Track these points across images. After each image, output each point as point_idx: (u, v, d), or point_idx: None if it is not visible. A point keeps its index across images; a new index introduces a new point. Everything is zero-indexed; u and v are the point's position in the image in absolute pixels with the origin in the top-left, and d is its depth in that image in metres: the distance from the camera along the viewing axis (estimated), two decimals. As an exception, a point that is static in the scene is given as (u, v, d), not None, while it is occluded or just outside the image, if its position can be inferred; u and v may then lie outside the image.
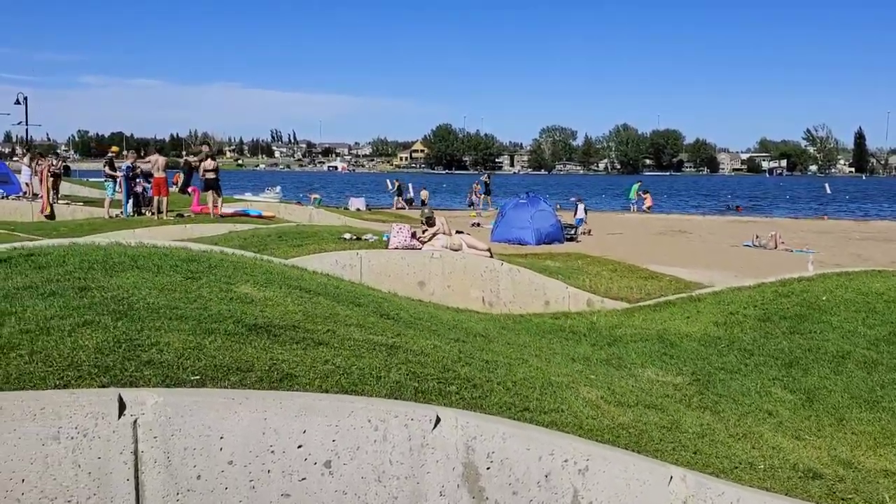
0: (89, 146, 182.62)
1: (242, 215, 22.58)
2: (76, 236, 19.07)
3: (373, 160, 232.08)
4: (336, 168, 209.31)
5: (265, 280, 7.25)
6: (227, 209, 23.01)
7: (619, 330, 9.17)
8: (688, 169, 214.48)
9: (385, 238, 14.63)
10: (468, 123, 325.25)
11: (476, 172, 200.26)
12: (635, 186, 46.54)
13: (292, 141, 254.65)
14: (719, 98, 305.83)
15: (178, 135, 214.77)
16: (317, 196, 42.47)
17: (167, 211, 21.09)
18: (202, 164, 22.01)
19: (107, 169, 21.79)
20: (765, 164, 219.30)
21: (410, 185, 58.75)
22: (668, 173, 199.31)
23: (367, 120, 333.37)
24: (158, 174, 20.81)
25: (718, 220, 38.00)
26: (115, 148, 23.94)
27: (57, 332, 4.26)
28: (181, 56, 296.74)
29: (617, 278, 14.42)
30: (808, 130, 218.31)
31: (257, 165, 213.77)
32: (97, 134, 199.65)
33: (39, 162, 27.73)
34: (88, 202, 27.44)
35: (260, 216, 22.94)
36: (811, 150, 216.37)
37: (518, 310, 12.79)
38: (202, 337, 4.52)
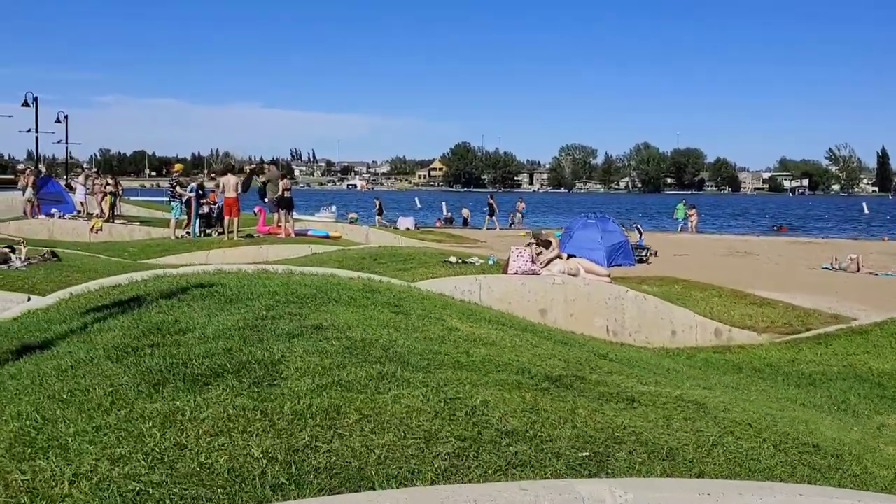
0: (111, 164, 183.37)
1: (309, 236, 22.00)
2: (151, 257, 18.63)
3: (391, 178, 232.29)
4: (355, 186, 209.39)
5: (459, 313, 6.62)
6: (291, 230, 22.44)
7: (801, 366, 8.47)
8: (709, 188, 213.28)
9: (490, 262, 14.00)
10: (486, 142, 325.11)
11: (495, 190, 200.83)
12: (681, 206, 45.55)
13: (312, 159, 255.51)
14: (739, 117, 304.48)
15: (199, 153, 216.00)
16: (354, 215, 41.98)
17: (237, 231, 20.55)
18: (280, 183, 21.51)
19: (177, 189, 21.27)
20: (786, 184, 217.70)
21: (444, 204, 58.29)
22: (689, 192, 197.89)
23: (385, 138, 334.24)
24: (230, 194, 20.29)
25: (776, 240, 37.07)
26: (178, 166, 23.43)
27: (367, 390, 3.63)
28: (201, 76, 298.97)
29: (728, 305, 13.72)
30: (831, 149, 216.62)
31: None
32: (119, 152, 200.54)
33: (96, 181, 27.37)
34: (144, 222, 26.98)
35: (327, 237, 22.37)
36: (833, 169, 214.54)
37: (643, 340, 12.11)
38: (505, 391, 3.88)
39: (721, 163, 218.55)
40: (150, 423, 3.28)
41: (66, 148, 46.53)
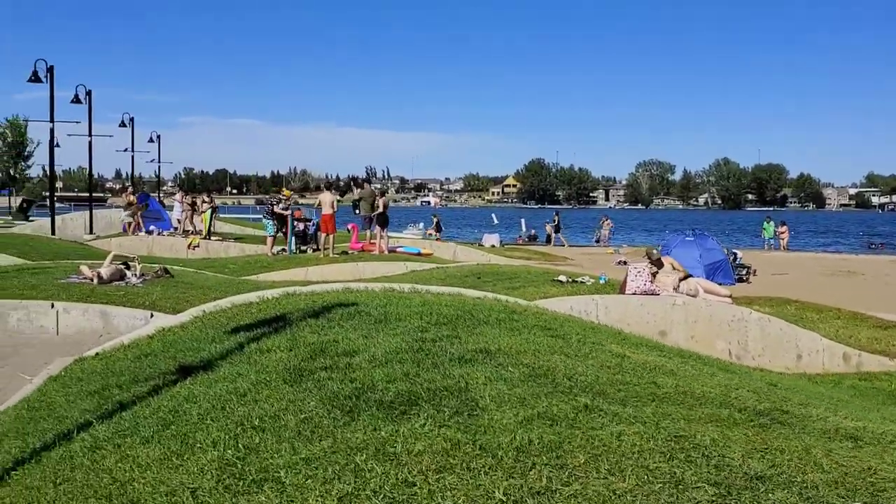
0: (195, 182, 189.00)
1: (401, 253, 21.98)
2: (251, 273, 18.85)
3: (464, 195, 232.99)
4: (429, 203, 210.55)
5: (610, 337, 6.30)
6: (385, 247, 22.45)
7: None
8: (792, 204, 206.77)
9: (602, 281, 13.61)
10: (561, 158, 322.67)
11: (569, 207, 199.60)
12: (769, 225, 43.99)
13: (386, 177, 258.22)
14: (823, 131, 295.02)
15: (278, 172, 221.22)
16: (431, 231, 42.00)
17: (333, 248, 20.65)
18: (380, 200, 21.59)
19: (276, 208, 21.56)
20: (874, 199, 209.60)
21: (523, 221, 57.79)
22: (771, 208, 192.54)
23: (458, 155, 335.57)
24: (327, 211, 20.42)
25: (878, 259, 35.49)
26: (287, 192, 23.76)
27: (579, 424, 3.35)
28: (278, 97, 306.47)
29: (851, 328, 12.99)
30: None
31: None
32: (202, 171, 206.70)
33: (195, 199, 28.07)
34: (238, 238, 27.47)
35: (419, 254, 22.30)
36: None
37: (767, 364, 11.52)
38: (724, 427, 3.55)
39: (805, 178, 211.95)
40: (363, 456, 3.08)
41: (158, 167, 48.08)
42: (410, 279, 15.44)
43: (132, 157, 38.76)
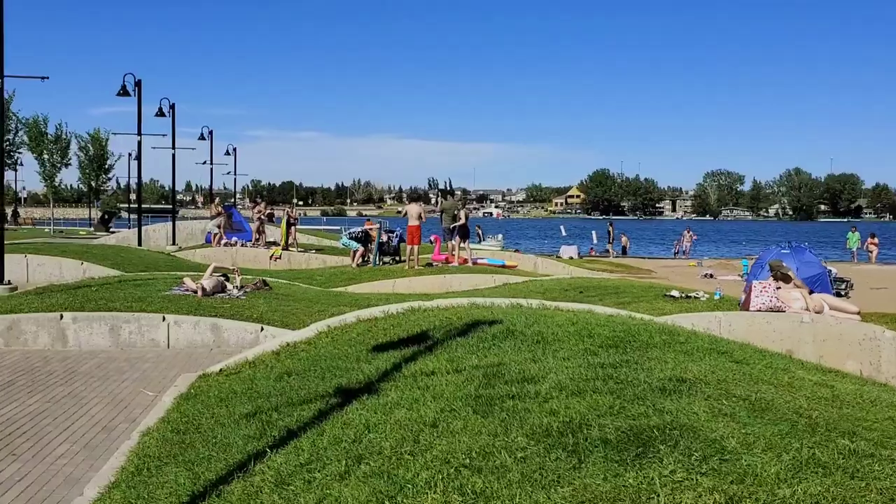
0: (262, 194, 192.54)
1: (486, 265, 21.57)
2: (338, 285, 18.71)
3: (526, 206, 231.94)
4: (491, 214, 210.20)
5: (785, 361, 5.75)
6: (472, 260, 22.10)
7: None
8: (867, 215, 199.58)
9: (717, 296, 12.97)
10: (625, 168, 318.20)
11: (635, 218, 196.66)
12: (853, 234, 42.16)
13: (448, 188, 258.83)
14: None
15: (342, 183, 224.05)
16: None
17: (417, 260, 20.38)
18: (462, 211, 21.28)
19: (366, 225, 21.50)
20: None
21: (594, 233, 56.76)
22: (845, 219, 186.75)
23: (520, 166, 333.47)
24: (413, 222, 20.18)
25: (983, 273, 33.57)
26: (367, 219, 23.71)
27: (874, 475, 2.85)
28: (341, 110, 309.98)
29: None
30: None
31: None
32: (269, 183, 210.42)
33: (272, 210, 28.26)
34: (319, 250, 27.48)
35: (503, 266, 21.86)
36: None
37: (902, 387, 10.72)
38: None
39: (881, 189, 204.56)
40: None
41: (235, 179, 48.80)
42: (508, 292, 15.00)
43: (211, 169, 39.39)
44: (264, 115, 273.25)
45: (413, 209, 20.44)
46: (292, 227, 26.84)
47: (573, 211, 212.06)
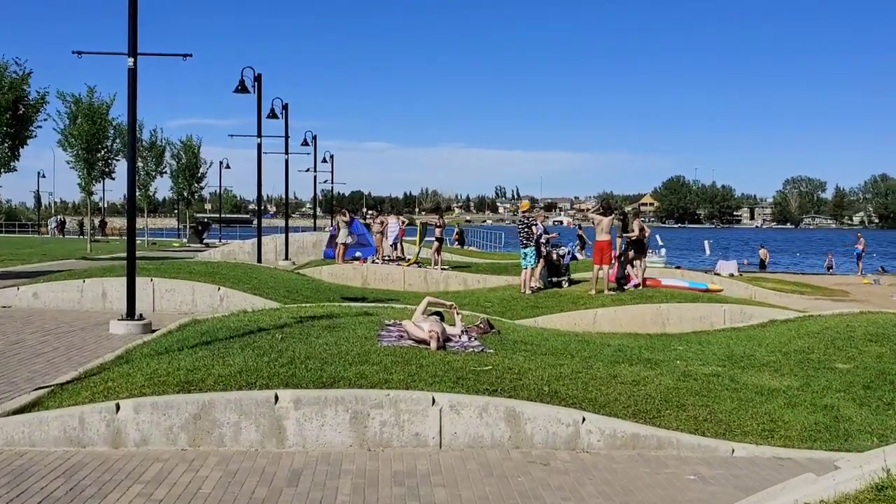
0: (331, 204, 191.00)
1: (686, 289, 17.51)
2: (519, 317, 14.98)
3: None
4: (562, 223, 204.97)
5: None
6: (660, 280, 18.13)
7: None
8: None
9: None
10: (700, 175, 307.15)
11: (712, 227, 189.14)
12: None
13: (515, 196, 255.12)
14: None
15: (411, 193, 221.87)
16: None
17: (606, 282, 16.51)
18: (635, 222, 17.44)
19: (533, 229, 17.56)
20: None
21: (706, 243, 51.95)
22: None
23: (589, 174, 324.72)
24: (602, 237, 16.34)
25: None
26: (525, 203, 19.53)
27: None
28: (407, 121, 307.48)
29: None
30: None
31: (484, 221, 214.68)
32: (339, 193, 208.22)
33: (383, 221, 24.94)
34: (456, 267, 23.79)
35: (706, 290, 17.80)
36: None
37: None
38: None
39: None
40: None
41: (332, 187, 45.72)
42: (790, 334, 11.00)
43: (314, 177, 36.27)
44: (332, 127, 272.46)
45: (605, 221, 16.58)
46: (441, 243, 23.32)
47: (647, 219, 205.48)
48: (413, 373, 6.98)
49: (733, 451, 6.20)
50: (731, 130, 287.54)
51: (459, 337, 9.19)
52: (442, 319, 9.54)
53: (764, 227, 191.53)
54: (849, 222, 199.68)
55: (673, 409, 6.89)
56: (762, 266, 39.05)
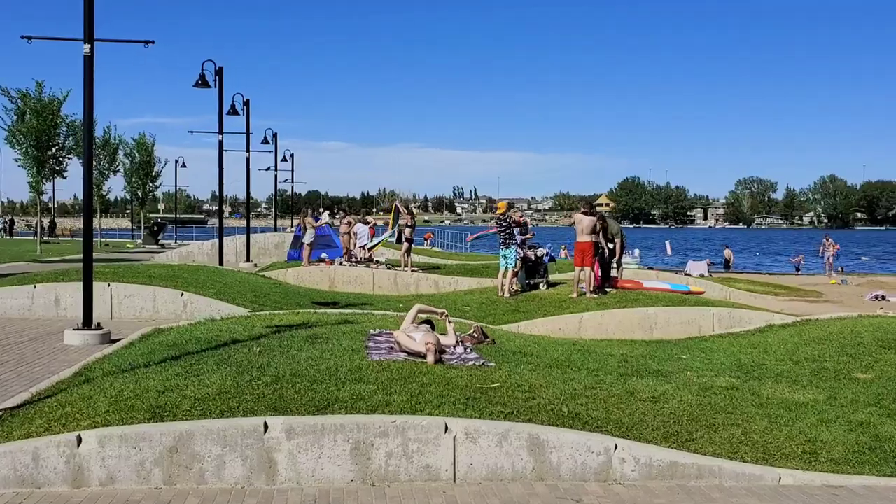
0: (287, 204, 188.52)
1: (667, 291, 17.00)
2: (501, 322, 14.30)
3: (553, 214, 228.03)
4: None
5: None
6: (642, 282, 17.60)
7: None
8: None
9: None
10: (654, 176, 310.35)
11: (666, 227, 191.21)
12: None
13: (473, 197, 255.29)
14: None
15: (368, 192, 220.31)
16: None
17: (589, 285, 15.89)
18: (614, 226, 16.95)
19: (512, 230, 16.89)
20: None
21: (668, 243, 52.01)
22: (882, 228, 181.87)
23: (546, 175, 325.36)
24: (583, 239, 15.72)
25: None
26: (502, 204, 18.77)
27: None
28: (364, 120, 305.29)
29: None
30: None
31: (442, 221, 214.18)
32: (294, 192, 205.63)
33: (351, 221, 24.17)
34: (425, 268, 23.01)
35: (688, 292, 17.33)
36: None
37: None
38: None
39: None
40: None
41: (292, 186, 44.58)
42: (795, 340, 10.50)
43: (275, 176, 35.17)
44: (289, 126, 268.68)
45: (585, 221, 15.96)
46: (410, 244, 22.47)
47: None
48: (416, 392, 6.21)
49: (780, 478, 5.56)
50: (685, 132, 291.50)
51: (454, 348, 8.46)
52: (433, 328, 8.81)
53: (717, 226, 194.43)
54: (799, 222, 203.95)
55: (704, 430, 6.24)
56: (727, 266, 38.98)
